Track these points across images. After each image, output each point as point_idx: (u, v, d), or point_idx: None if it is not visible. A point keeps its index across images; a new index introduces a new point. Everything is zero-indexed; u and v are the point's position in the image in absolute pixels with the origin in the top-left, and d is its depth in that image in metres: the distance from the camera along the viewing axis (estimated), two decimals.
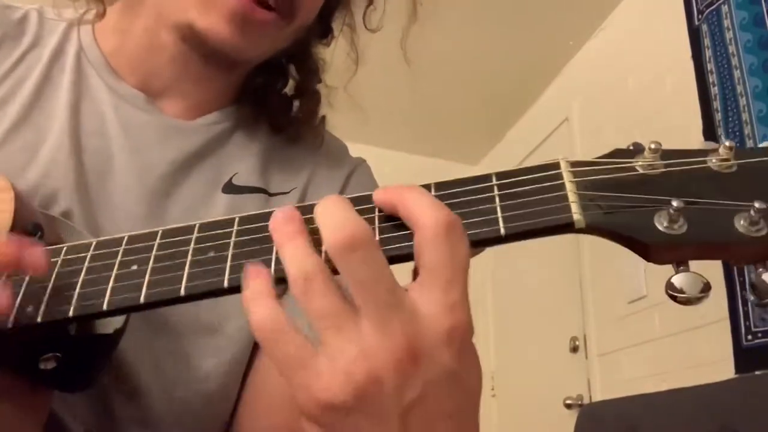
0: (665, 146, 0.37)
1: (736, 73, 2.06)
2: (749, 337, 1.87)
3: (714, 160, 0.36)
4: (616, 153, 0.38)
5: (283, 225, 0.35)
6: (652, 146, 0.36)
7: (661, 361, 2.25)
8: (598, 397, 2.58)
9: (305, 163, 0.70)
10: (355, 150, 0.78)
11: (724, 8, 2.13)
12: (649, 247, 0.34)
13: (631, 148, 0.38)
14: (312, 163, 0.71)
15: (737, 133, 2.01)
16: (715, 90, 2.13)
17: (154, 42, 0.64)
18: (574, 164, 0.37)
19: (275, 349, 0.34)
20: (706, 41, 2.19)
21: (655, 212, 0.34)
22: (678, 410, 1.48)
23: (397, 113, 3.18)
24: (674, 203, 0.33)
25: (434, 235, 0.34)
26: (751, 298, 0.37)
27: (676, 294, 0.33)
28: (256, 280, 0.35)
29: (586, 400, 2.66)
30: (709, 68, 2.16)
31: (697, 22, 2.25)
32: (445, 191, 0.38)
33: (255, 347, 0.62)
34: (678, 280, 0.33)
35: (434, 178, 0.39)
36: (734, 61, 2.07)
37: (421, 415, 0.33)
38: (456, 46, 2.96)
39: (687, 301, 0.33)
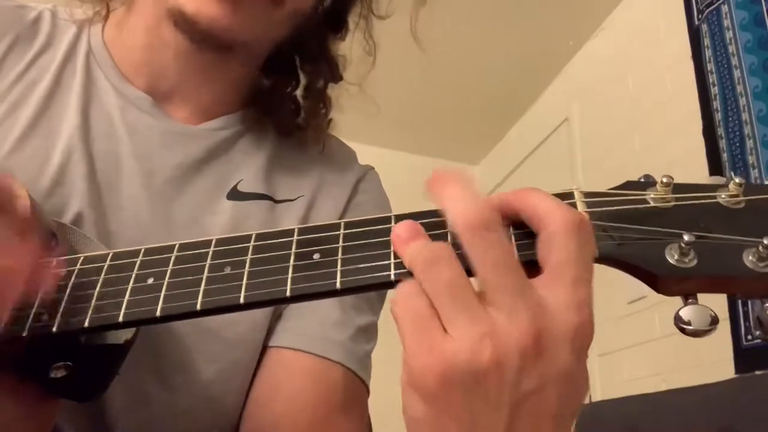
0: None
1: (736, 73, 2.06)
2: (749, 337, 1.87)
3: (723, 196, 0.37)
4: (628, 185, 0.38)
5: (403, 233, 0.36)
6: (664, 180, 0.37)
7: (661, 361, 2.25)
8: (598, 397, 2.58)
9: (312, 170, 0.70)
10: (355, 149, 0.77)
11: (724, 8, 2.13)
12: (659, 279, 0.35)
13: (642, 180, 0.39)
14: (319, 171, 0.70)
15: (737, 133, 2.01)
16: (715, 90, 2.13)
17: (155, 40, 0.64)
18: (588, 194, 0.38)
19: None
20: (706, 41, 2.19)
21: (667, 245, 0.35)
22: (678, 410, 1.48)
23: (398, 113, 3.17)
24: (686, 237, 0.34)
25: (565, 233, 0.33)
26: (757, 332, 0.38)
27: (684, 326, 0.34)
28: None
29: (586, 400, 2.66)
30: (709, 68, 2.16)
31: (697, 22, 2.25)
32: None
33: (264, 351, 0.62)
34: (686, 312, 0.34)
35: None
36: (734, 61, 2.07)
37: (531, 409, 0.33)
38: (456, 46, 2.96)
39: (695, 334, 0.34)
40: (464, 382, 0.32)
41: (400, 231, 0.36)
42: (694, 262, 0.34)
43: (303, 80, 0.73)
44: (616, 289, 2.51)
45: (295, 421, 0.58)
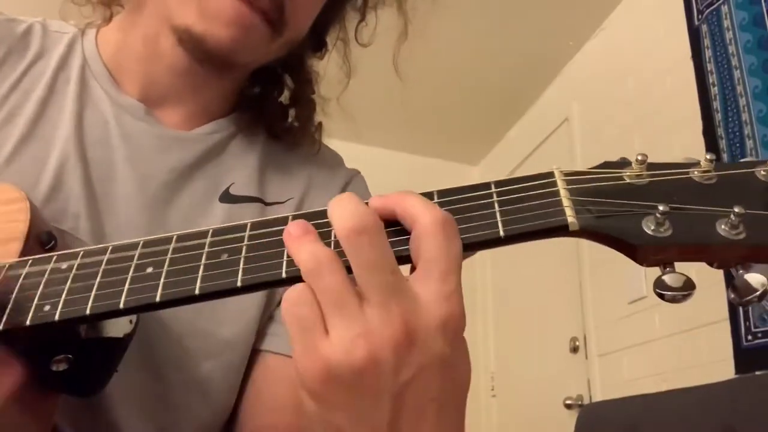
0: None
1: (736, 73, 2.06)
2: (749, 337, 1.88)
3: (696, 172, 0.38)
4: (606, 164, 0.40)
5: (294, 231, 0.38)
6: (639, 158, 0.39)
7: (661, 361, 2.25)
8: (598, 397, 2.59)
9: (301, 173, 0.72)
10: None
11: (724, 8, 2.14)
12: (637, 249, 0.36)
13: (620, 160, 0.40)
14: (308, 174, 0.72)
15: (737, 133, 2.02)
16: (715, 90, 2.13)
17: (152, 50, 0.65)
18: (567, 173, 0.39)
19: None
20: (706, 41, 2.19)
21: (643, 217, 0.37)
22: (678, 410, 1.49)
23: (398, 114, 3.18)
24: (661, 207, 0.36)
25: (432, 230, 0.36)
26: (732, 296, 0.39)
27: (663, 292, 0.35)
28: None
29: (586, 400, 2.66)
30: (709, 68, 2.17)
31: (697, 22, 2.26)
32: (447, 197, 0.40)
33: (253, 353, 0.63)
34: (665, 278, 0.36)
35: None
36: (734, 61, 2.08)
37: (412, 396, 0.35)
38: (456, 46, 2.97)
39: (673, 299, 0.35)
40: (343, 379, 0.34)
41: (291, 229, 0.38)
42: (670, 231, 0.36)
43: (287, 89, 0.75)
44: (616, 289, 2.51)
45: (275, 427, 0.59)
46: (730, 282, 0.36)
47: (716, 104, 2.11)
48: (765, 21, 2.00)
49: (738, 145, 2.01)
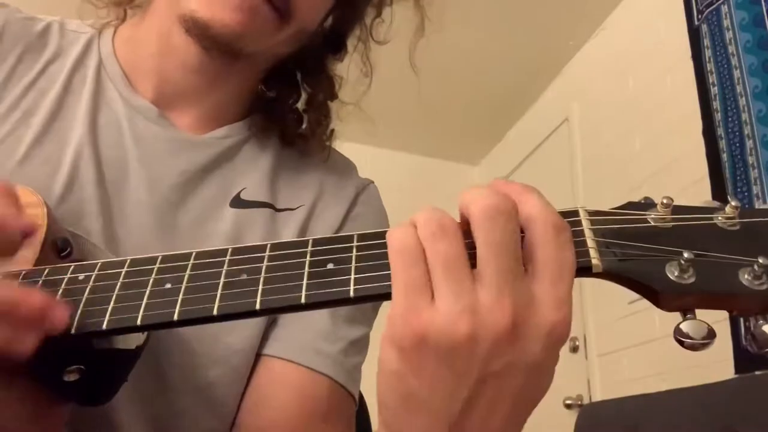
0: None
1: (736, 73, 2.06)
2: (749, 337, 1.87)
3: (720, 218, 0.38)
4: (629, 205, 0.40)
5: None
6: (664, 201, 0.38)
7: (661, 361, 2.25)
8: (598, 397, 2.59)
9: (313, 180, 0.71)
10: (356, 150, 0.78)
11: (724, 8, 2.14)
12: (660, 295, 0.36)
13: (643, 201, 0.40)
14: (320, 181, 0.71)
15: (737, 133, 2.02)
16: (714, 90, 2.13)
17: (165, 46, 0.65)
18: (592, 213, 0.39)
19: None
20: (706, 41, 2.19)
21: (667, 262, 0.37)
22: (678, 410, 1.49)
23: (398, 113, 3.18)
24: (686, 254, 0.36)
25: (548, 234, 0.35)
26: (749, 347, 0.40)
27: (683, 339, 0.36)
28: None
29: (586, 400, 2.66)
30: (709, 68, 2.17)
31: (697, 22, 2.25)
32: None
33: (257, 359, 0.63)
34: (685, 326, 0.36)
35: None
36: (734, 61, 2.08)
37: (493, 388, 0.35)
38: (456, 46, 2.96)
39: (692, 347, 0.36)
40: (437, 349, 0.33)
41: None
42: (693, 278, 0.36)
43: (304, 94, 0.75)
44: (616, 289, 2.49)
45: (279, 428, 0.59)
46: (748, 331, 0.36)
47: (716, 104, 2.11)
48: (765, 21, 2.00)
49: (738, 145, 2.01)
